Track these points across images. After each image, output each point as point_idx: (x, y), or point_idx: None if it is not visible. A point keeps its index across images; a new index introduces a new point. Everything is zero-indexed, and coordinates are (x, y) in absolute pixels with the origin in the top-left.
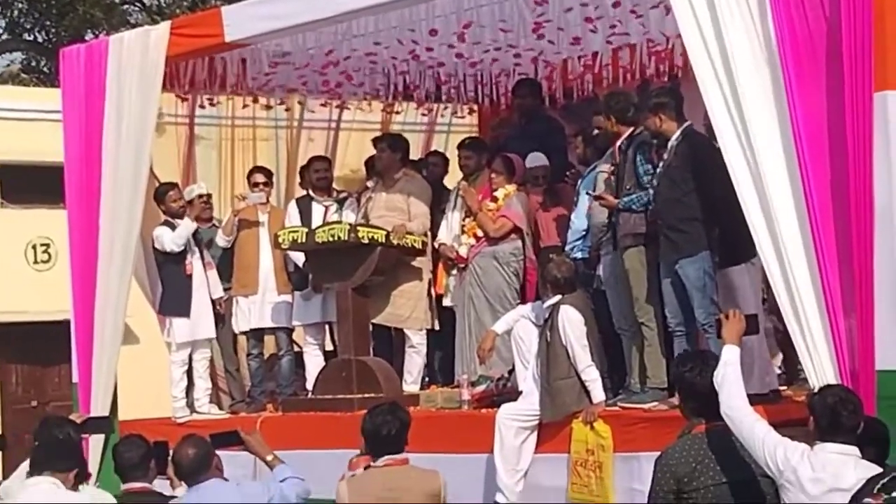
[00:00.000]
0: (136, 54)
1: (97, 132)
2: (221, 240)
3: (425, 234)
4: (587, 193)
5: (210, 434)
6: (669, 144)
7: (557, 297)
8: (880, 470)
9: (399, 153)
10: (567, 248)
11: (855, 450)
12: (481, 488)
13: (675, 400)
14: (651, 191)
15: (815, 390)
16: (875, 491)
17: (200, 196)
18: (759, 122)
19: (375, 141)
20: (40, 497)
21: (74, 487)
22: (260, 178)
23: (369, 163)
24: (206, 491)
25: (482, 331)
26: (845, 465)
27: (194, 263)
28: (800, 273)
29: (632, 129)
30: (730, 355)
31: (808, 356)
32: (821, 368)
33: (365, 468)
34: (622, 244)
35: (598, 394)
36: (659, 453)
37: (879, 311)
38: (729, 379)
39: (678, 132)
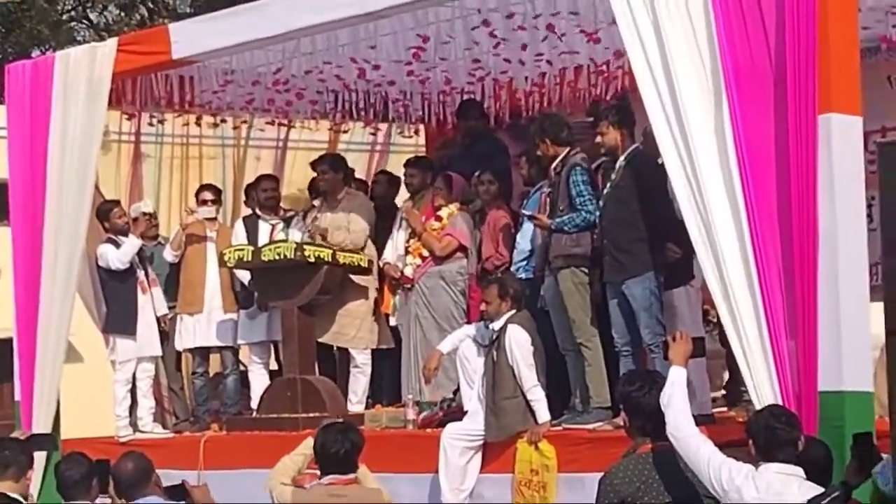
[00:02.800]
0: (83, 71)
1: (42, 149)
2: (169, 255)
3: (362, 250)
4: (524, 214)
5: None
6: (618, 164)
7: (506, 317)
8: (822, 490)
9: (341, 173)
10: (512, 268)
11: (799, 470)
12: None
13: (620, 420)
14: (584, 213)
15: (751, 415)
16: None
17: (145, 214)
18: (702, 145)
19: (315, 163)
20: None
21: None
22: (208, 195)
23: (312, 185)
24: None
25: (428, 350)
26: (789, 485)
27: (141, 280)
28: (741, 294)
29: (567, 150)
30: (677, 376)
31: (749, 377)
32: (762, 389)
33: (310, 485)
34: (554, 265)
35: (543, 414)
36: (603, 473)
37: (822, 332)
38: (675, 400)
39: (626, 152)
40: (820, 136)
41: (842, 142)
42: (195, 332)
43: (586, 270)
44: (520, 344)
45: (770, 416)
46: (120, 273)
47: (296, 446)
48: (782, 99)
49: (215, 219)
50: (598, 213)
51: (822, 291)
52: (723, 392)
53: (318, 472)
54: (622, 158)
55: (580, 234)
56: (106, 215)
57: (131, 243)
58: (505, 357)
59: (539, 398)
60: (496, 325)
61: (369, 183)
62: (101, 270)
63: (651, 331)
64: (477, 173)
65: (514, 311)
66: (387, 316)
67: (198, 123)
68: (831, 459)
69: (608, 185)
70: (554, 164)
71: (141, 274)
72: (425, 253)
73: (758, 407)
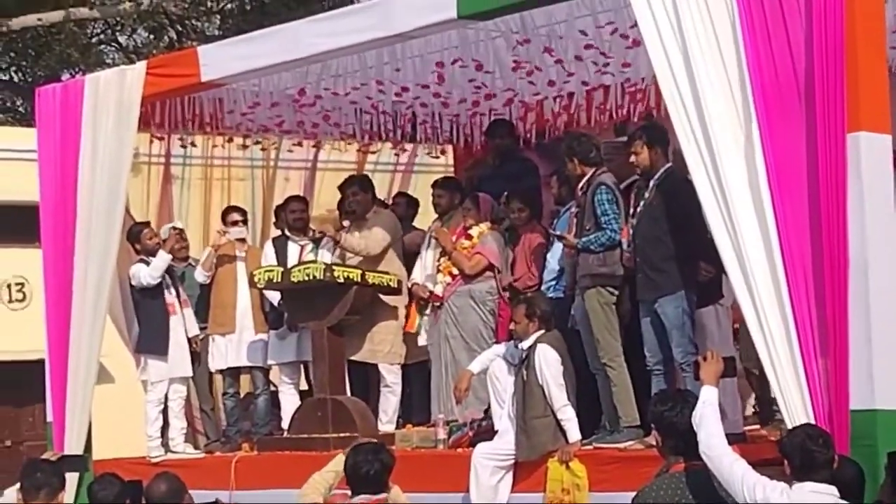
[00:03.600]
0: (112, 93)
1: (72, 171)
2: (200, 275)
3: (379, 260)
4: (552, 234)
5: None
6: (651, 183)
7: (535, 336)
8: None
9: (370, 192)
10: (543, 287)
11: (833, 489)
12: None
13: (651, 439)
14: (609, 231)
15: (784, 434)
16: None
17: (175, 228)
18: (730, 164)
19: (344, 185)
20: None
21: None
22: (236, 216)
23: (341, 205)
24: None
25: (458, 370)
26: None
27: (171, 301)
28: (771, 314)
29: (594, 170)
30: (709, 395)
31: (781, 396)
32: (793, 408)
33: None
34: (581, 284)
35: (573, 433)
36: (635, 493)
37: (853, 351)
38: (707, 419)
39: (661, 171)
40: (849, 154)
41: (871, 160)
42: (227, 352)
43: (612, 290)
44: (549, 363)
45: (806, 437)
46: (151, 293)
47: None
48: (811, 117)
49: (244, 240)
50: (623, 232)
51: (853, 309)
52: (754, 409)
53: (349, 493)
54: (656, 178)
55: (607, 254)
56: (137, 237)
57: (161, 258)
58: (534, 376)
59: (569, 417)
60: (525, 345)
61: (389, 203)
62: (134, 291)
63: (683, 350)
64: (505, 196)
65: (542, 332)
66: (412, 335)
67: (224, 146)
68: (863, 479)
69: (641, 203)
70: (580, 184)
71: (170, 296)
72: (455, 272)
73: (789, 426)
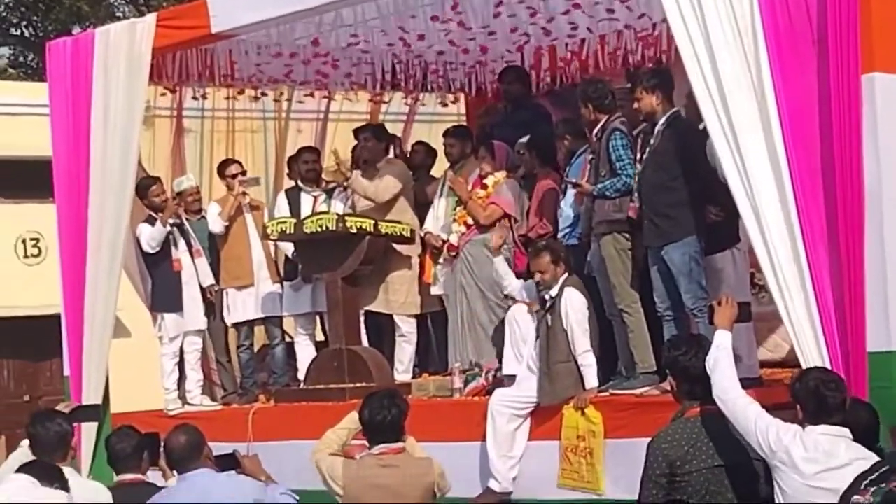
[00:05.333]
0: (123, 47)
1: (85, 126)
2: (218, 224)
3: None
4: (567, 181)
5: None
6: (656, 129)
7: (562, 281)
8: (870, 454)
9: (383, 142)
10: (559, 235)
11: (846, 431)
12: (475, 476)
13: (666, 385)
14: (624, 177)
15: (796, 379)
16: (863, 487)
17: (190, 187)
18: (742, 108)
19: (358, 131)
20: (13, 495)
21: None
22: (236, 168)
23: (354, 153)
24: (196, 479)
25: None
26: (836, 445)
27: (181, 257)
28: (784, 257)
29: (608, 115)
30: (722, 340)
31: (796, 340)
32: (808, 352)
33: (360, 456)
34: (597, 231)
35: (591, 379)
36: (650, 438)
37: (869, 293)
38: (721, 363)
39: (665, 117)
40: (864, 95)
41: (886, 101)
42: (243, 305)
43: (628, 236)
44: (576, 308)
45: (819, 381)
46: (160, 251)
47: (343, 417)
48: (824, 59)
49: (246, 193)
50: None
51: (869, 252)
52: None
53: (367, 444)
54: (661, 123)
55: (622, 200)
56: (145, 192)
57: (158, 229)
58: (560, 322)
59: (590, 364)
60: (553, 292)
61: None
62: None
63: (693, 295)
64: (518, 143)
65: (566, 275)
66: (428, 285)
67: (236, 97)
68: (877, 422)
69: (647, 150)
70: (595, 130)
71: (177, 251)
72: (470, 221)
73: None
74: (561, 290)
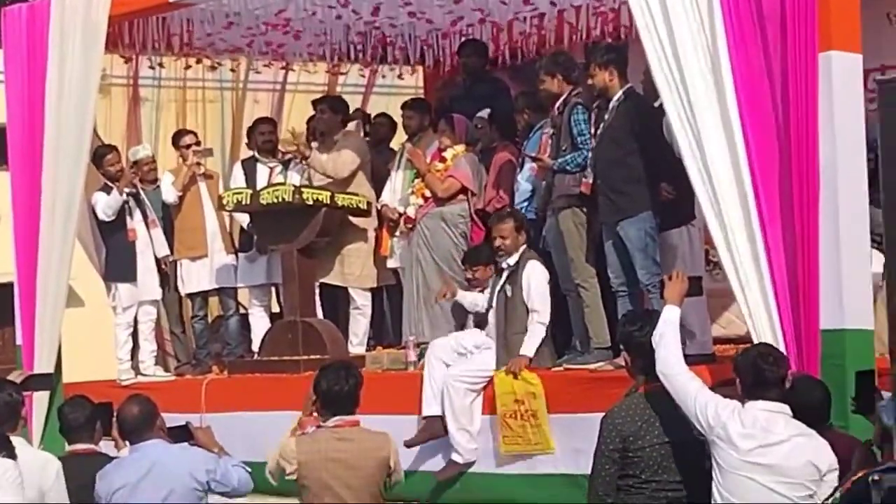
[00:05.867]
0: (79, 13)
1: (40, 93)
2: (172, 194)
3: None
4: (526, 155)
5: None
6: (611, 104)
7: (521, 250)
8: (810, 430)
9: (340, 114)
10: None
11: (785, 407)
12: (432, 449)
13: (620, 360)
14: (585, 151)
15: (739, 353)
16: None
17: (146, 157)
18: (699, 84)
19: (316, 102)
20: None
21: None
22: (190, 139)
23: (311, 124)
24: (148, 450)
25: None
26: (775, 422)
27: (136, 227)
28: (739, 233)
29: (570, 89)
30: (670, 315)
31: (749, 316)
32: (761, 328)
33: (315, 428)
34: (556, 205)
35: (530, 347)
36: (605, 413)
37: (823, 271)
38: (666, 338)
39: (620, 92)
40: (820, 74)
41: (842, 80)
42: (198, 276)
43: (586, 210)
44: (539, 280)
45: (758, 355)
46: (115, 220)
47: (296, 389)
48: (782, 37)
49: (200, 164)
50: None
51: (823, 230)
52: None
53: (319, 418)
54: (615, 99)
55: (582, 174)
56: (100, 161)
57: (115, 198)
58: (520, 293)
59: (535, 333)
60: (512, 261)
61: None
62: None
63: (647, 271)
64: (477, 117)
65: (526, 246)
66: (384, 258)
67: (193, 67)
68: (829, 399)
69: (601, 125)
70: (557, 104)
71: (132, 221)
72: (428, 194)
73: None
74: (523, 261)
